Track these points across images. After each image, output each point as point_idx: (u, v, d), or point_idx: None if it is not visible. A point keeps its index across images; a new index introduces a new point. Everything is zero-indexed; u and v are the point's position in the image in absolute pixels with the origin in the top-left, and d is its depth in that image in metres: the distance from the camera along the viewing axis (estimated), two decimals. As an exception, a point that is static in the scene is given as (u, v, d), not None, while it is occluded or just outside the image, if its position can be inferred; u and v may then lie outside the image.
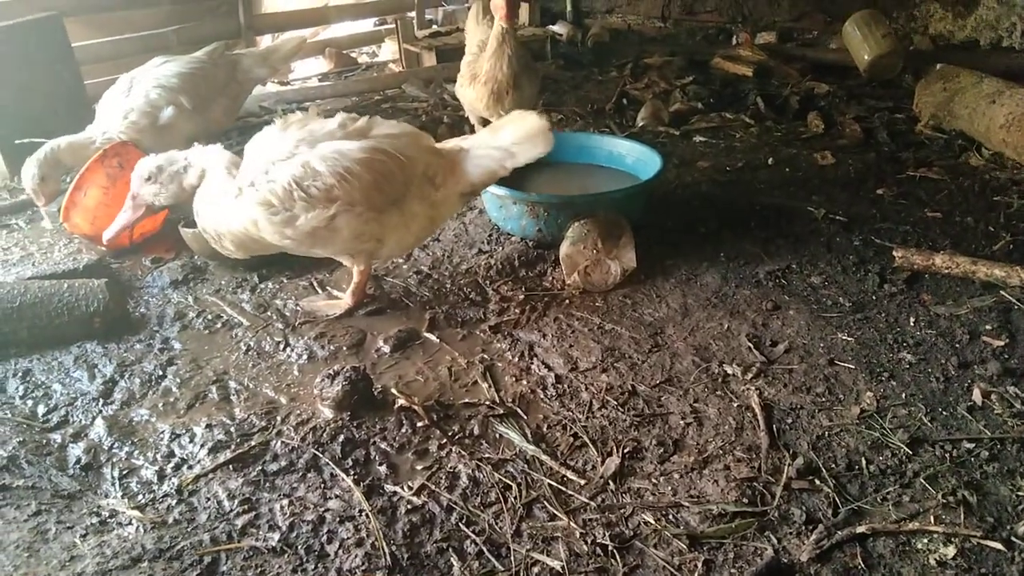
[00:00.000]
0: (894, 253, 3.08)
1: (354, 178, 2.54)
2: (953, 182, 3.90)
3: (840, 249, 3.26)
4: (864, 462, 2.15)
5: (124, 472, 2.15)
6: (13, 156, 3.98)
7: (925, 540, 1.90)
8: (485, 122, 3.86)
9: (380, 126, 2.72)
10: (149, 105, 3.74)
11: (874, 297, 2.92)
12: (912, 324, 2.75)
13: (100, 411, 2.39)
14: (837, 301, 2.89)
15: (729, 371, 2.52)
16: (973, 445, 2.19)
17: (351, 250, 2.72)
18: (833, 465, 2.14)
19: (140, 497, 2.05)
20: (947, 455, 2.16)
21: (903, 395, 2.41)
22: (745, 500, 2.02)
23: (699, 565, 1.84)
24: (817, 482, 2.07)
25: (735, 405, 2.37)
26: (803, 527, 1.94)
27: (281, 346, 2.70)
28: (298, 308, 2.91)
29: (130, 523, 1.95)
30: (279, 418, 2.35)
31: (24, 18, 4.10)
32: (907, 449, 2.18)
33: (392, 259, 3.04)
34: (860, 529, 1.93)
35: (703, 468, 2.13)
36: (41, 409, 2.40)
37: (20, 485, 2.05)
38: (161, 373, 2.57)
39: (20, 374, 2.55)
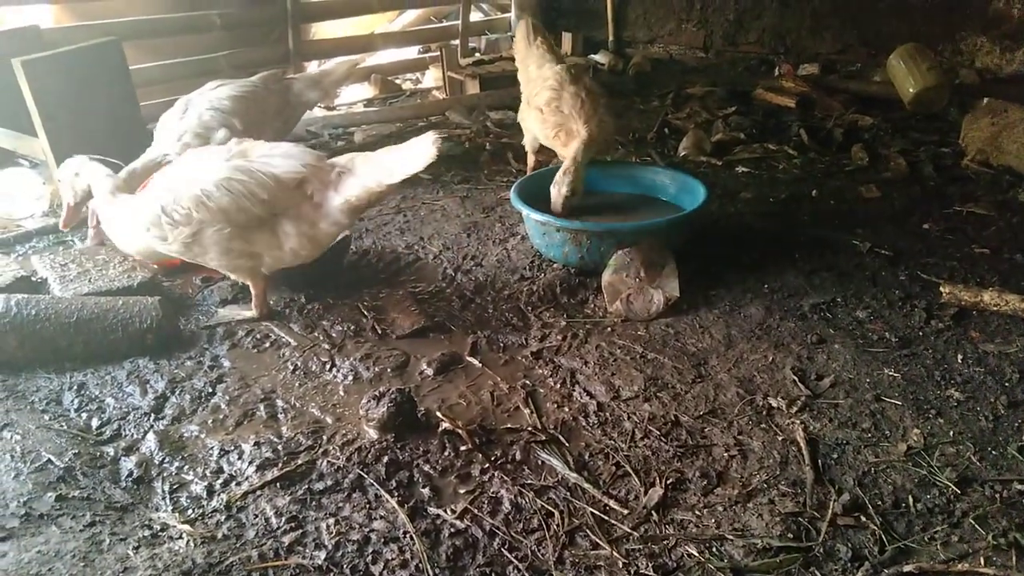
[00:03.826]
0: (941, 289, 3.05)
1: (211, 201, 2.68)
2: (1001, 218, 3.86)
3: (886, 283, 3.23)
4: (911, 500, 2.12)
5: (174, 486, 2.19)
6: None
7: (975, 582, 1.87)
8: (541, 148, 3.86)
9: (260, 148, 2.84)
10: (202, 127, 3.84)
11: (921, 333, 2.89)
12: (960, 361, 2.72)
13: (152, 426, 2.45)
14: (883, 336, 2.86)
15: (774, 404, 2.51)
16: (1024, 486, 2.16)
17: (229, 266, 2.85)
18: (879, 502, 2.12)
19: (190, 512, 2.09)
20: (997, 495, 2.13)
21: (951, 433, 2.38)
22: (790, 535, 2.01)
23: (743, 599, 1.83)
24: (863, 519, 2.05)
25: (780, 439, 2.36)
26: (849, 564, 1.92)
27: (327, 366, 2.75)
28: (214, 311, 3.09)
29: (180, 537, 1.99)
30: (325, 437, 2.38)
31: (86, 43, 4.25)
32: (955, 488, 2.15)
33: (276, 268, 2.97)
34: (907, 568, 1.90)
35: (747, 501, 2.12)
36: (95, 422, 2.46)
37: (76, 496, 2.10)
38: (211, 390, 2.62)
39: (75, 387, 2.62)
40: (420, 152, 2.67)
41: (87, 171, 2.99)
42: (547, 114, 3.68)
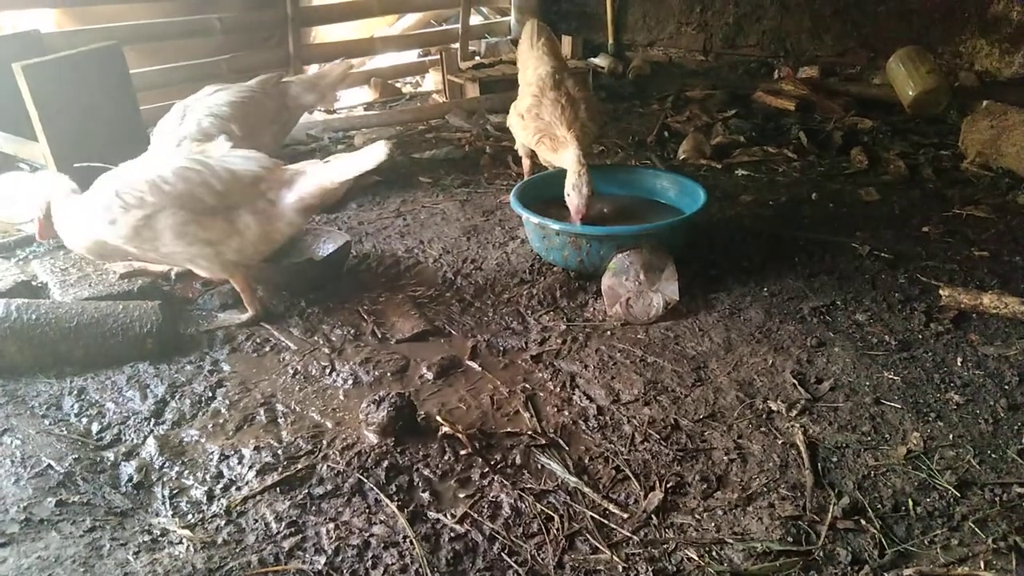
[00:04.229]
0: (941, 292, 3.05)
1: (166, 185, 2.77)
2: (1001, 221, 3.86)
3: (885, 286, 3.23)
4: (911, 503, 2.12)
5: (174, 491, 2.20)
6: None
7: (975, 586, 1.87)
8: (534, 153, 3.85)
9: (220, 149, 2.97)
10: (201, 133, 3.84)
11: (920, 336, 2.89)
12: (960, 364, 2.72)
13: (152, 430, 2.45)
14: (883, 339, 2.86)
15: (773, 407, 2.51)
16: (1024, 489, 2.16)
17: (186, 254, 2.87)
18: (879, 505, 2.12)
19: (190, 517, 2.10)
20: (997, 499, 2.13)
21: (951, 436, 2.37)
22: (790, 539, 2.01)
23: (743, 603, 1.83)
24: (863, 522, 2.05)
25: (779, 442, 2.36)
26: (849, 568, 1.93)
27: (327, 370, 2.75)
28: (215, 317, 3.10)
29: (181, 542, 1.99)
30: (325, 442, 2.38)
31: (87, 47, 4.25)
32: (955, 491, 2.15)
33: (246, 264, 3.01)
34: (907, 572, 1.90)
35: (747, 505, 2.12)
36: (95, 427, 2.46)
37: (76, 501, 2.11)
38: (211, 395, 2.62)
39: (75, 392, 2.62)
40: (371, 154, 2.79)
41: (51, 183, 3.01)
42: (528, 120, 3.68)
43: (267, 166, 2.91)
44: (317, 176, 2.86)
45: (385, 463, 2.27)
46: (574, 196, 3.33)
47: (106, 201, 2.79)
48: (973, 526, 2.04)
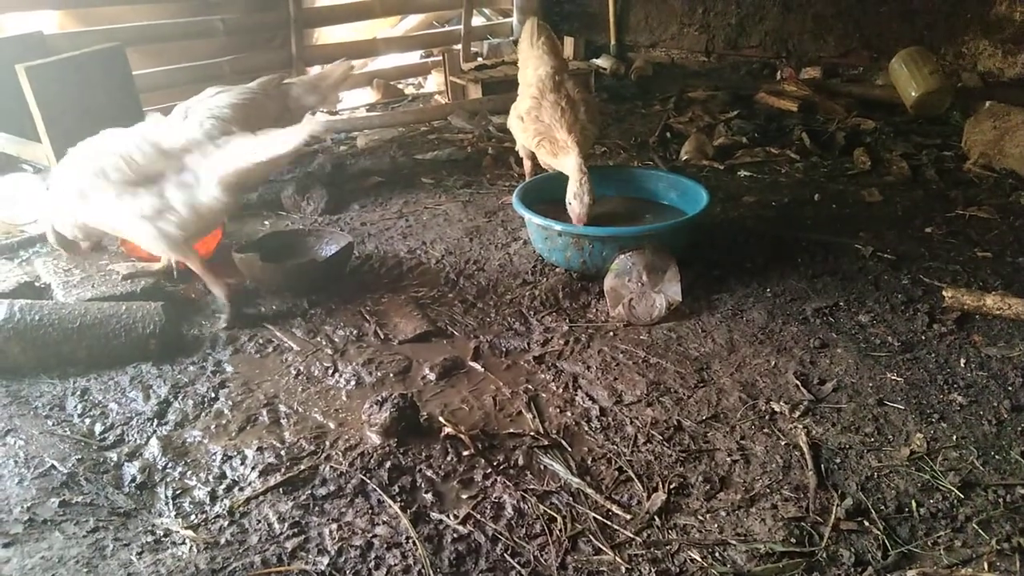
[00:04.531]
0: (944, 293, 3.05)
1: (91, 161, 2.89)
2: (1004, 222, 3.85)
3: (888, 287, 3.23)
4: (914, 504, 2.12)
5: (177, 492, 2.20)
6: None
7: (979, 587, 1.87)
8: (534, 154, 3.85)
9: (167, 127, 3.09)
10: (203, 135, 3.83)
11: (923, 337, 2.89)
12: (963, 365, 2.71)
13: (155, 431, 2.45)
14: (886, 340, 2.86)
15: (776, 409, 2.50)
16: (1028, 491, 2.15)
17: (132, 229, 2.93)
18: (882, 507, 2.11)
19: (193, 517, 2.10)
20: (1000, 500, 2.13)
21: (954, 437, 2.37)
22: (793, 540, 2.00)
23: (746, 604, 1.83)
24: (866, 524, 2.05)
25: (782, 443, 2.35)
26: (852, 569, 1.92)
27: (330, 371, 2.75)
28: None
29: (184, 543, 1.99)
30: (328, 443, 2.38)
31: (90, 49, 4.26)
32: (958, 493, 2.15)
33: (191, 238, 3.02)
34: (910, 573, 1.90)
35: (750, 506, 2.12)
36: (98, 428, 2.46)
37: (79, 501, 2.11)
38: (214, 395, 2.63)
39: (78, 393, 2.62)
40: (291, 136, 2.80)
41: (36, 203, 3.15)
42: (527, 122, 3.66)
43: (196, 139, 2.92)
44: (234, 155, 2.86)
45: (388, 464, 2.27)
46: (575, 204, 3.33)
47: (57, 180, 2.95)
48: (977, 527, 2.04)
